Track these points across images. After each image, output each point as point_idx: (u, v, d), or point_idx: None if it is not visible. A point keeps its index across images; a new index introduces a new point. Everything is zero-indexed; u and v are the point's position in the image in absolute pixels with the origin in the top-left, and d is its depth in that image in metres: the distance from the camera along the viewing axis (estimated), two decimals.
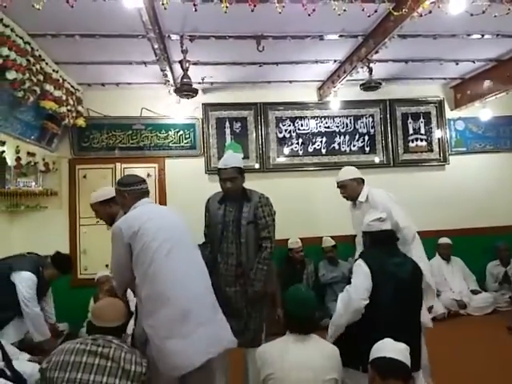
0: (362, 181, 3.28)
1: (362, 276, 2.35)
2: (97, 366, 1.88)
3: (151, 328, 2.06)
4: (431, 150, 5.34)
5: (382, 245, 2.50)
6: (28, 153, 3.81)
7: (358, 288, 2.33)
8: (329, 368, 1.99)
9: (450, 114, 5.43)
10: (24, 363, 2.78)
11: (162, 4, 2.41)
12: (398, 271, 2.36)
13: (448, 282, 4.88)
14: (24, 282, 3.24)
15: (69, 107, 4.07)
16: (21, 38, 3.07)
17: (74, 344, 1.97)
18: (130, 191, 2.31)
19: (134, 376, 1.92)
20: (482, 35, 3.74)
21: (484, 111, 5.20)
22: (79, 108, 4.44)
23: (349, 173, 3.34)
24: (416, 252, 2.87)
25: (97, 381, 1.86)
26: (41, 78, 3.38)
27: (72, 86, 4.26)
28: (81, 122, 4.47)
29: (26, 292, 3.21)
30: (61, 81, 3.88)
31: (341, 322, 2.38)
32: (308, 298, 2.14)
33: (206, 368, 2.06)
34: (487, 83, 4.71)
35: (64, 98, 3.90)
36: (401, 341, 1.96)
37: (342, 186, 3.31)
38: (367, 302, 2.28)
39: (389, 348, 1.65)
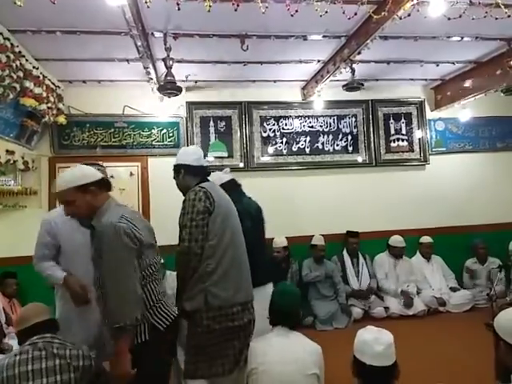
0: None
1: None
2: (45, 369, 1.82)
3: None
4: (412, 150, 5.43)
5: (235, 189, 3.02)
6: (7, 151, 3.74)
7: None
8: (311, 363, 2.03)
9: (430, 114, 5.52)
10: None
11: (146, 2, 2.39)
12: (249, 208, 3.00)
13: (428, 280, 4.97)
14: None
15: (49, 104, 4.00)
16: (0, 33, 3.00)
17: (12, 358, 1.85)
18: None
19: (83, 370, 1.89)
20: (462, 37, 3.82)
21: (463, 112, 5.30)
22: (60, 105, 4.37)
23: None
24: None
25: (51, 382, 1.80)
26: (21, 74, 3.31)
27: (53, 83, 4.18)
28: (61, 119, 4.40)
29: None
30: (41, 78, 3.80)
31: None
32: (293, 293, 2.30)
33: None
34: (467, 84, 4.82)
35: (44, 95, 3.84)
36: (253, 256, 2.57)
37: None
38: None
39: (369, 353, 1.66)
